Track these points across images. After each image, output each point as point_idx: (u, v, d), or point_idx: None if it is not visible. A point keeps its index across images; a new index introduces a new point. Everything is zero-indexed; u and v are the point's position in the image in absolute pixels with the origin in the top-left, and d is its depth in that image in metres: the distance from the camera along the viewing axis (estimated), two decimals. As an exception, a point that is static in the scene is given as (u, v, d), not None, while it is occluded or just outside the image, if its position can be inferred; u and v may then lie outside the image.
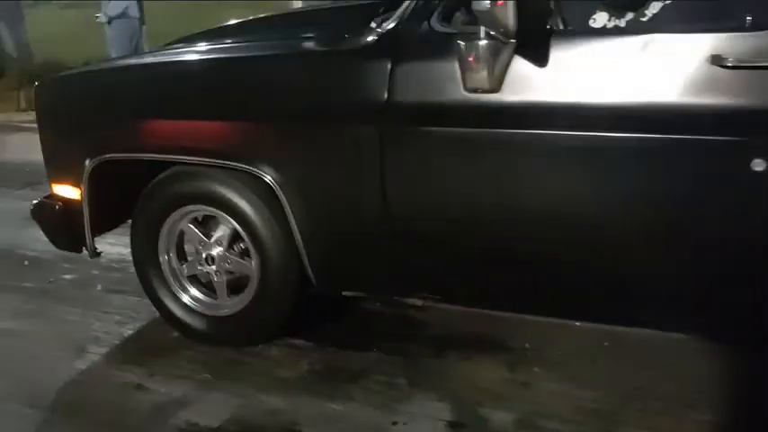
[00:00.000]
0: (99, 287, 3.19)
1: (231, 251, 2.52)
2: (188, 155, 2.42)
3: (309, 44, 2.48)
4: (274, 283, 2.44)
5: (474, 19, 1.89)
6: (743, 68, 1.75)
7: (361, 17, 2.25)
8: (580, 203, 2.00)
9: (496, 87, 1.90)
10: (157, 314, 2.73)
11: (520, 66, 1.91)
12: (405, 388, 2.34)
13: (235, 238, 2.50)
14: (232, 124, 2.35)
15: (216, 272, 2.56)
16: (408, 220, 2.19)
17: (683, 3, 2.09)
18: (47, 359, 2.63)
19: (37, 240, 3.11)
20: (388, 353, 2.53)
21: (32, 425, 2.27)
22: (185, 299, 2.64)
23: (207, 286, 2.64)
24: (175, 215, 2.55)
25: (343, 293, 2.53)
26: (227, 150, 2.34)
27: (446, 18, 2.07)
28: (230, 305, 2.58)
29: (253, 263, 2.46)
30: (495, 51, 1.85)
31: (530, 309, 2.31)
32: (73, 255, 2.90)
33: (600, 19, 2.17)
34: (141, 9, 7.22)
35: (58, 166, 2.71)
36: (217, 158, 2.36)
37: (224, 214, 2.46)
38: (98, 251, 2.71)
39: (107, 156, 2.52)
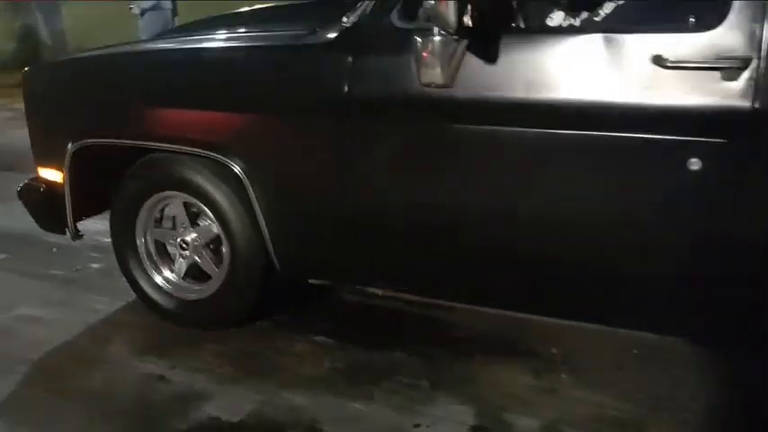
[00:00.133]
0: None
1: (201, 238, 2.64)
2: (164, 142, 2.49)
3: (279, 38, 2.52)
4: (242, 269, 2.52)
5: None
6: (682, 69, 1.79)
7: (343, 12, 2.28)
8: (524, 197, 2.03)
9: (450, 83, 1.93)
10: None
11: (474, 62, 1.95)
12: (428, 390, 2.31)
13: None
14: (203, 114, 2.40)
15: (189, 255, 2.68)
16: (366, 211, 2.25)
17: (638, 3, 2.10)
18: (72, 347, 2.66)
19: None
20: (413, 354, 2.50)
21: (55, 412, 2.28)
22: (158, 280, 2.75)
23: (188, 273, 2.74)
24: (153, 200, 2.65)
25: (309, 281, 2.57)
26: (200, 139, 2.40)
27: (408, 15, 2.10)
28: (200, 289, 2.68)
29: (224, 249, 2.55)
30: (448, 47, 1.88)
31: (478, 300, 2.36)
32: (100, 243, 2.95)
33: (556, 18, 2.17)
34: (174, 0, 7.26)
35: (43, 150, 2.80)
36: (190, 147, 2.42)
37: (198, 202, 2.54)
38: (80, 233, 2.80)
39: (89, 141, 2.60)
